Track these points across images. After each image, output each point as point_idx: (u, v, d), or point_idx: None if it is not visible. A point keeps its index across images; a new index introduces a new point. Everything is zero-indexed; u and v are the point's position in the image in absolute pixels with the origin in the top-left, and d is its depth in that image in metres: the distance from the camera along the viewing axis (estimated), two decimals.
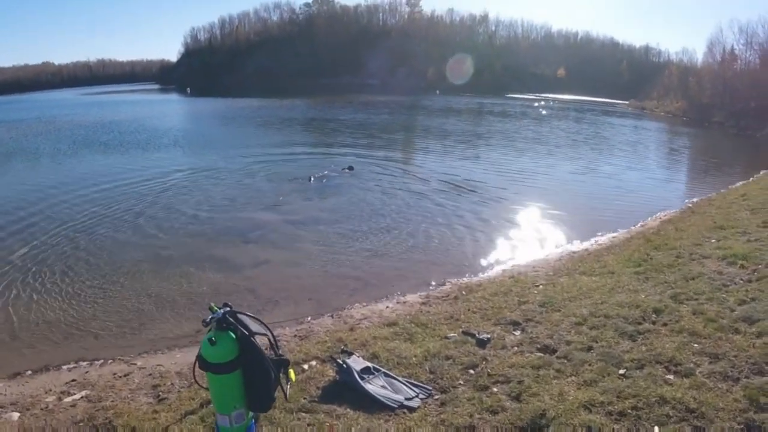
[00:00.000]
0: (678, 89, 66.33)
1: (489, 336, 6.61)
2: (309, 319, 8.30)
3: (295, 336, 7.42)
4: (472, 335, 6.66)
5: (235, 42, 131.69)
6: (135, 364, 7.10)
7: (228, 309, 4.40)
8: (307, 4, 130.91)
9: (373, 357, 6.15)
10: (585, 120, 47.88)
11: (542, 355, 6.18)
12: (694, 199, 17.29)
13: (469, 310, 7.66)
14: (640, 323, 6.80)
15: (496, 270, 10.56)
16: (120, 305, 9.22)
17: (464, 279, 10.06)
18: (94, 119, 45.26)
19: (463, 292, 8.71)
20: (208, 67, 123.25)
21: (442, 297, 8.72)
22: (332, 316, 8.26)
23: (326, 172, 20.34)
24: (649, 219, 14.79)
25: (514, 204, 16.14)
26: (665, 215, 15.06)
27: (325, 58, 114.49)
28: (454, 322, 7.26)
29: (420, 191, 17.56)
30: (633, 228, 13.78)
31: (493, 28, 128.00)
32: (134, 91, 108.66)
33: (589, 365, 5.80)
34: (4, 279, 10.45)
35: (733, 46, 57.18)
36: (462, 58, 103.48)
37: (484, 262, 11.22)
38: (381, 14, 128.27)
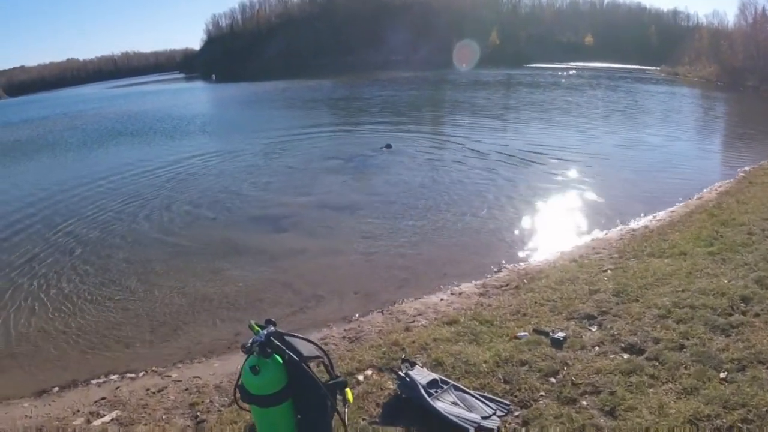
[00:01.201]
0: (709, 53, 63.68)
1: (564, 334, 5.82)
2: (357, 316, 7.58)
3: (344, 338, 6.73)
4: (545, 334, 5.89)
5: (257, 26, 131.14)
6: (170, 376, 6.47)
7: (272, 329, 3.70)
8: None
9: (437, 364, 5.43)
10: (620, 88, 46.05)
11: (629, 356, 5.42)
12: (746, 168, 16.09)
13: (535, 302, 6.87)
14: (730, 314, 6.04)
15: (554, 252, 9.67)
16: (150, 308, 8.62)
17: (521, 264, 9.20)
18: (119, 111, 45.23)
19: (525, 281, 7.90)
20: (231, 53, 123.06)
21: (502, 286, 7.92)
22: (382, 312, 7.53)
23: (362, 152, 19.60)
24: (705, 191, 13.72)
25: (561, 179, 15.17)
26: (720, 186, 14.01)
27: (347, 36, 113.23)
28: (522, 317, 6.48)
29: (461, 168, 16.66)
30: (690, 201, 12.76)
31: None
32: (159, 81, 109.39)
33: (685, 368, 5.06)
34: (24, 280, 10.01)
35: (765, 6, 54.48)
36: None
37: (539, 243, 10.35)
38: None
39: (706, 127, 27.56)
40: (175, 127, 31.90)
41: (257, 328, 3.69)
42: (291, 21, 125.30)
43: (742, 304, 6.23)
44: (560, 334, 5.80)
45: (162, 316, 8.34)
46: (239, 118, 35.43)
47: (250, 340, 3.60)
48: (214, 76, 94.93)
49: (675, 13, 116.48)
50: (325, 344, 6.60)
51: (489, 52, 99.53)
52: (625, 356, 5.42)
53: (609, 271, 7.88)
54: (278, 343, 3.65)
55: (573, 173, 15.66)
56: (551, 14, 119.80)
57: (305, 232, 11.79)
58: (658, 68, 73.22)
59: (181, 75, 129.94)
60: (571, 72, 66.73)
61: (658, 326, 5.91)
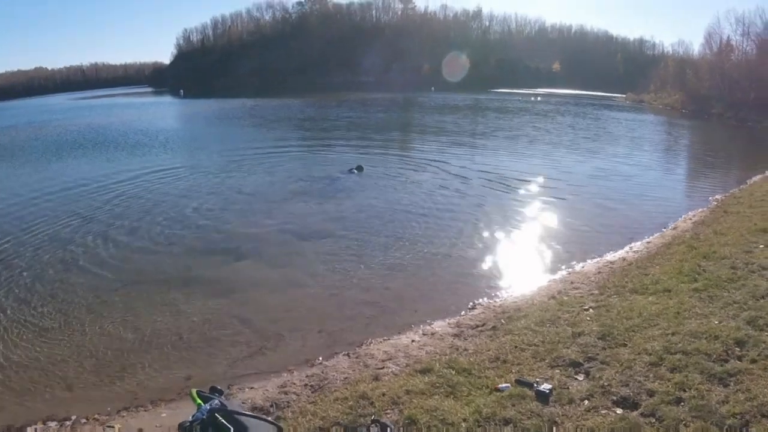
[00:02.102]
0: (675, 81, 65.41)
1: (550, 386, 5.29)
2: (321, 359, 6.93)
3: (307, 386, 6.08)
4: (529, 385, 5.34)
5: (228, 42, 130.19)
6: (112, 427, 5.78)
7: (217, 404, 3.03)
8: (299, 3, 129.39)
9: (410, 422, 4.83)
10: (588, 115, 46.65)
11: (623, 412, 4.93)
12: (718, 196, 16.09)
13: (515, 346, 6.33)
14: (725, 360, 5.65)
15: (530, 287, 9.20)
16: (97, 344, 7.83)
17: (497, 300, 8.70)
18: (83, 124, 43.90)
19: (502, 321, 7.37)
20: (201, 69, 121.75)
21: (477, 326, 7.38)
22: (349, 355, 6.90)
23: (330, 173, 19.04)
24: (680, 220, 13.58)
25: (533, 208, 14.84)
26: (694, 215, 13.87)
27: (318, 57, 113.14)
28: (502, 364, 5.93)
29: (432, 195, 16.21)
30: (666, 231, 12.55)
31: (487, 23, 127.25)
32: (127, 94, 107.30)
33: (685, 426, 4.61)
34: None
35: (729, 36, 56.36)
36: (457, 56, 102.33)
37: (514, 277, 9.85)
38: (374, 11, 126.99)
39: (675, 155, 27.86)
40: (137, 142, 30.92)
41: (199, 400, 3.03)
42: (263, 39, 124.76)
43: (737, 349, 5.85)
44: (545, 386, 5.26)
45: (108, 354, 7.54)
46: (203, 135, 34.69)
47: (190, 418, 2.95)
48: (182, 91, 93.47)
49: (641, 41, 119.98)
50: (285, 393, 5.98)
51: (461, 78, 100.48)
52: (619, 411, 4.93)
53: (591, 310, 7.42)
54: (224, 422, 3.00)
55: (545, 202, 15.36)
56: (520, 41, 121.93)
57: (266, 261, 11.09)
58: (624, 95, 74.83)
59: (150, 89, 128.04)
60: (539, 98, 67.62)
61: (651, 375, 5.44)
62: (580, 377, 5.58)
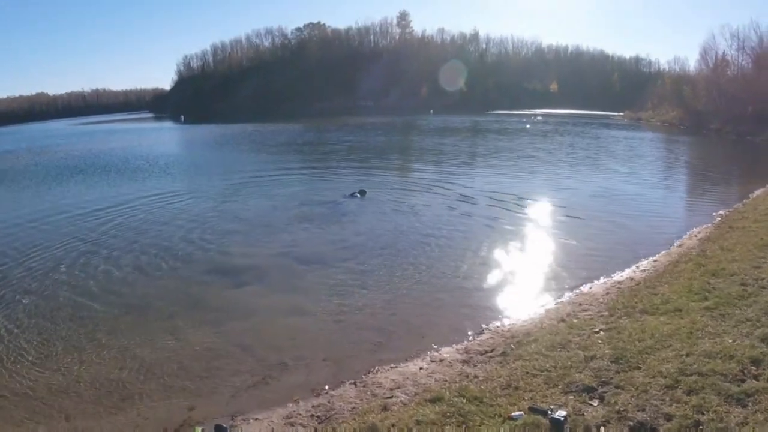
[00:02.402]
0: (672, 98, 65.88)
1: (565, 413, 5.07)
2: (327, 388, 6.75)
3: (313, 417, 5.91)
4: (543, 413, 5.13)
5: (228, 68, 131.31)
6: None
7: None
8: (298, 29, 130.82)
9: None
10: (587, 134, 46.74)
11: None
12: (721, 212, 16.01)
13: (527, 372, 6.16)
14: (742, 380, 5.47)
15: (538, 310, 9.05)
16: (97, 373, 7.66)
17: (505, 324, 8.53)
18: (84, 149, 44.05)
19: (512, 346, 7.20)
20: (202, 94, 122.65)
21: (486, 352, 7.22)
22: (356, 384, 6.73)
23: (333, 198, 18.97)
24: (685, 237, 13.48)
25: (537, 229, 14.76)
26: (699, 232, 13.77)
27: (317, 82, 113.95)
28: (514, 391, 5.75)
29: (435, 218, 16.11)
30: (672, 249, 12.42)
31: (484, 46, 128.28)
32: (128, 120, 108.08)
33: None
34: None
35: (725, 51, 56.77)
36: (453, 64, 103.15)
37: (521, 300, 9.69)
38: (372, 36, 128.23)
39: (676, 172, 27.82)
40: (138, 167, 31.01)
41: None
42: (262, 65, 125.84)
43: (753, 368, 5.68)
44: (560, 413, 5.05)
45: (108, 383, 7.37)
46: (204, 160, 34.72)
47: None
48: (182, 117, 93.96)
49: (637, 59, 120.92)
50: (291, 424, 5.81)
51: (457, 99, 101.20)
52: None
53: (602, 333, 7.25)
54: None
55: (548, 223, 15.30)
56: (517, 62, 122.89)
57: (268, 287, 10.94)
58: (622, 114, 75.17)
59: (150, 115, 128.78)
60: (537, 118, 67.90)
61: (668, 399, 5.26)
62: (595, 402, 5.41)
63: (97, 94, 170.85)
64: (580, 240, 13.42)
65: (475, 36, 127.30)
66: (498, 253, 12.59)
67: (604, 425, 4.98)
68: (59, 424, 6.50)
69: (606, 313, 8.16)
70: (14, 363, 7.98)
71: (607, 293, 9.44)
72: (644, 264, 11.32)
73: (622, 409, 5.18)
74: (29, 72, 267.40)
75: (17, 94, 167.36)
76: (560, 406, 5.26)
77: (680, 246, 12.57)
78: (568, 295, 9.72)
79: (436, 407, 5.52)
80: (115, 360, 8.01)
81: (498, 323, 8.63)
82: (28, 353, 8.28)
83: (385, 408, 5.74)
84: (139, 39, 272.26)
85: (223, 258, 12.95)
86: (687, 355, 6.11)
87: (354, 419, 5.55)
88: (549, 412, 5.09)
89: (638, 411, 5.12)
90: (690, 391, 5.34)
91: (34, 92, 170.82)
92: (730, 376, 5.52)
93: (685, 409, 5.03)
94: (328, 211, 17.32)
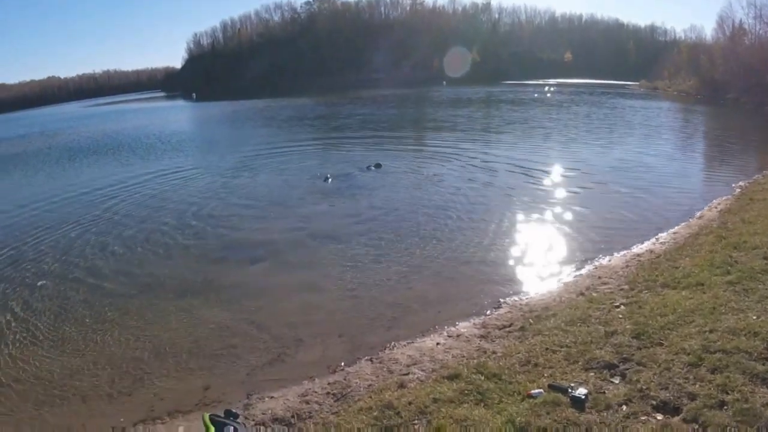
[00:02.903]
0: (689, 67, 64.22)
1: (585, 391, 4.98)
2: (343, 365, 6.69)
3: (329, 394, 5.84)
4: (563, 390, 5.03)
5: (238, 45, 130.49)
6: None
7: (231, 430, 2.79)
8: (308, 3, 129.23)
9: None
10: (603, 104, 45.83)
11: (664, 417, 4.62)
12: (741, 183, 15.57)
13: (546, 348, 6.02)
14: (767, 359, 5.26)
15: (556, 283, 8.90)
16: (112, 354, 7.68)
17: (523, 298, 8.38)
18: (97, 130, 44.27)
19: (530, 321, 7.05)
20: (213, 71, 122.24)
21: (504, 326, 7.09)
22: (372, 361, 6.64)
23: (346, 171, 18.81)
24: (705, 209, 13.11)
25: (554, 201, 14.43)
26: (719, 204, 13.40)
27: (328, 56, 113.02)
28: (533, 368, 5.63)
29: (451, 190, 15.83)
30: (692, 221, 12.10)
31: (497, 16, 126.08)
32: (140, 100, 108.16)
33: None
34: None
35: (742, 20, 55.03)
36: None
37: (539, 273, 9.52)
38: (383, 8, 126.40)
39: (695, 143, 27.19)
40: (150, 146, 31.18)
41: (211, 427, 2.78)
42: (273, 40, 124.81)
43: None
44: (581, 391, 4.95)
45: (124, 364, 7.38)
46: (216, 137, 34.68)
47: None
48: (194, 94, 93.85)
49: (652, 28, 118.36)
50: (307, 402, 5.75)
51: (470, 70, 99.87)
52: (659, 417, 4.63)
53: (623, 307, 7.08)
54: None
55: (566, 194, 14.92)
56: (530, 32, 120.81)
57: (284, 263, 10.86)
58: (638, 83, 73.76)
59: (162, 94, 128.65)
60: (552, 88, 66.78)
61: (691, 377, 5.11)
62: (617, 380, 5.27)
63: (108, 75, 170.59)
64: (598, 212, 13.16)
65: (487, 5, 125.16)
66: (515, 226, 12.38)
67: (626, 404, 4.84)
68: (75, 405, 6.51)
69: (626, 287, 7.99)
70: (31, 346, 8.03)
71: (627, 266, 9.24)
72: (664, 236, 11.06)
73: (644, 387, 5.05)
74: (39, 57, 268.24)
75: (28, 79, 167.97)
76: (581, 384, 5.15)
77: (700, 218, 12.28)
78: (587, 268, 9.51)
79: (454, 384, 5.42)
80: (130, 340, 8.01)
81: (516, 297, 8.48)
82: (45, 336, 8.33)
83: (401, 385, 5.64)
84: (149, 19, 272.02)
85: (237, 234, 12.91)
86: (710, 331, 5.92)
87: (370, 397, 5.47)
88: (569, 390, 4.99)
89: (661, 389, 4.98)
90: (714, 370, 5.18)
91: (45, 76, 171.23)
92: (755, 354, 5.34)
93: (710, 389, 4.87)
94: (343, 184, 17.16)
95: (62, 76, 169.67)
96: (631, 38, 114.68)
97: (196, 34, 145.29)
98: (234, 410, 3.00)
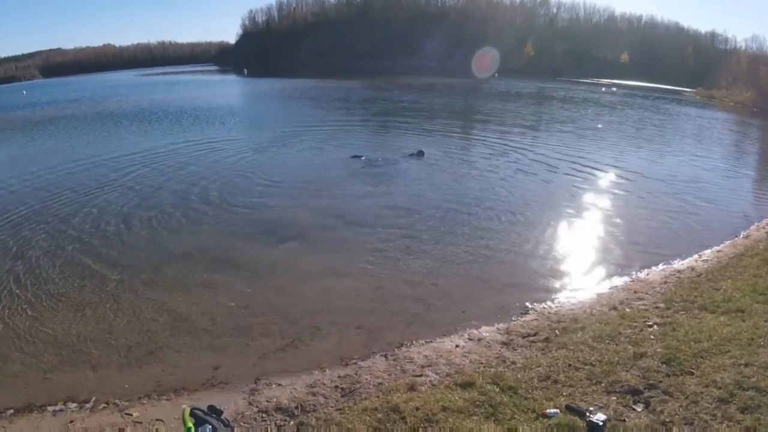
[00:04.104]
0: (747, 78, 61.54)
1: (604, 417, 4.62)
2: (356, 359, 6.51)
3: (337, 388, 5.67)
4: (581, 413, 4.70)
5: (293, 24, 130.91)
6: (131, 414, 5.61)
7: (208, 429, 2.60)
8: None
9: None
10: (658, 110, 44.27)
11: None
12: None
13: (569, 364, 5.68)
14: None
15: (589, 293, 8.51)
16: (130, 323, 7.70)
17: (552, 306, 8.03)
18: (145, 99, 45.02)
19: (557, 332, 6.71)
20: (266, 49, 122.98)
21: (529, 335, 6.77)
22: (386, 357, 6.44)
23: (387, 156, 18.57)
24: (752, 228, 12.43)
25: (597, 206, 13.88)
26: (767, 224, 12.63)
27: (381, 40, 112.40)
28: (552, 384, 5.31)
29: (491, 185, 15.47)
30: (737, 240, 11.49)
31: (555, 11, 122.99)
32: (192, 72, 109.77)
33: None
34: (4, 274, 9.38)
35: None
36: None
37: (572, 281, 9.13)
38: None
39: (748, 158, 25.91)
40: (195, 117, 31.64)
41: (190, 423, 2.59)
42: (327, 21, 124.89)
43: None
44: (599, 417, 4.60)
45: (138, 335, 7.38)
46: (262, 112, 35.04)
47: None
48: (245, 70, 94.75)
49: (713, 35, 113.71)
50: (314, 394, 5.60)
51: (523, 64, 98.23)
52: None
53: (656, 327, 6.68)
54: None
55: (609, 201, 14.33)
56: (588, 29, 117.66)
57: (311, 245, 10.73)
58: (694, 90, 71.22)
59: (215, 68, 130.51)
60: (606, 89, 65.09)
61: (719, 414, 4.71)
62: (639, 408, 4.92)
63: (163, 46, 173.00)
64: (641, 221, 12.59)
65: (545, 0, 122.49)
66: (554, 229, 11.94)
67: None
68: (85, 373, 6.50)
69: (662, 305, 7.55)
70: (51, 310, 8.13)
71: (665, 282, 8.77)
72: (707, 253, 10.48)
73: (667, 419, 4.69)
74: (96, 24, 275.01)
75: (84, 45, 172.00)
76: (600, 408, 4.82)
77: (746, 237, 11.64)
78: (623, 280, 9.08)
79: (466, 393, 5.15)
80: (148, 311, 8.03)
81: (545, 305, 8.14)
82: (66, 300, 8.42)
83: (412, 388, 5.41)
84: None
85: (268, 212, 12.88)
86: (746, 365, 5.48)
87: (378, 396, 5.26)
88: (587, 414, 4.67)
89: (685, 424, 4.62)
90: (744, 409, 4.77)
91: (101, 44, 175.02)
92: None
93: (737, 430, 4.49)
94: (382, 170, 16.93)
95: (117, 45, 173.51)
96: (691, 44, 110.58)
97: (251, 11, 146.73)
98: (218, 407, 2.80)
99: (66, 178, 16.31)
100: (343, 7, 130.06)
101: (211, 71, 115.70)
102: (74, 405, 5.86)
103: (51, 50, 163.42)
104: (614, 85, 73.37)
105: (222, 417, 2.76)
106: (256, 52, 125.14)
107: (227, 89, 60.65)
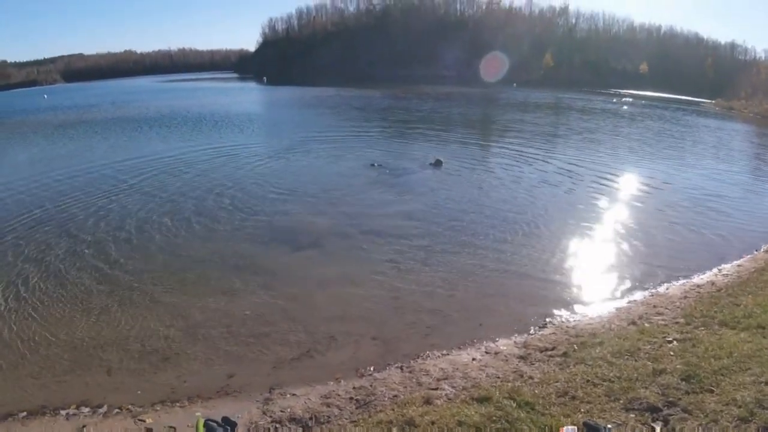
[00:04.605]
0: (767, 89, 60.84)
1: None
2: (372, 370, 6.48)
3: (352, 399, 5.64)
4: (599, 431, 4.61)
5: (312, 32, 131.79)
6: (144, 420, 5.62)
7: None
8: None
9: None
10: (678, 121, 43.80)
11: None
12: None
13: (587, 380, 5.59)
14: None
15: (608, 307, 8.41)
16: (146, 328, 7.75)
17: (570, 320, 7.95)
18: (164, 105, 45.55)
19: (575, 347, 6.62)
20: (285, 57, 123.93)
21: (547, 349, 6.70)
22: (402, 369, 6.41)
23: (405, 166, 18.55)
24: None
25: (616, 218, 13.70)
26: None
27: (400, 50, 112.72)
28: (570, 401, 5.23)
29: (509, 196, 15.39)
30: (758, 254, 11.31)
31: (574, 21, 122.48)
32: (212, 79, 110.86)
33: None
34: (11, 277, 9.52)
35: None
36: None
37: (590, 295, 9.02)
38: (458, 5, 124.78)
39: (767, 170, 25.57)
40: (214, 123, 32.06)
41: (202, 427, 2.59)
42: (346, 30, 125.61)
43: None
44: None
45: (154, 341, 7.42)
46: (281, 120, 35.17)
47: None
48: (265, 78, 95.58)
49: (733, 46, 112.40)
50: (328, 405, 5.58)
51: (542, 74, 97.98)
52: None
53: (675, 343, 6.56)
54: None
55: (629, 213, 14.17)
56: (607, 40, 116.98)
57: (327, 254, 10.72)
58: (713, 101, 70.42)
59: (234, 75, 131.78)
60: (624, 99, 64.64)
61: None
62: (658, 426, 4.82)
63: (183, 53, 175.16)
64: (661, 234, 12.42)
65: (564, 9, 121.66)
66: (573, 241, 11.83)
67: None
68: (100, 377, 6.54)
69: (682, 320, 7.44)
70: (66, 314, 8.21)
71: (685, 297, 8.65)
72: (728, 268, 10.34)
73: None
74: (117, 30, 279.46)
75: (105, 51, 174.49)
76: (618, 426, 4.74)
77: (767, 252, 11.46)
78: (642, 295, 8.98)
79: (483, 408, 5.09)
80: (165, 317, 8.07)
81: (563, 318, 8.07)
82: (85, 305, 8.50)
83: (427, 401, 5.37)
84: (227, 1, 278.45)
85: (285, 219, 12.92)
86: (766, 383, 5.34)
87: (393, 409, 5.22)
88: None
89: None
90: (765, 428, 4.63)
91: (122, 50, 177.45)
92: None
93: None
94: (400, 179, 16.93)
95: (138, 51, 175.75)
96: (710, 54, 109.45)
97: (271, 19, 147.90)
98: (232, 419, 2.79)
99: (85, 182, 16.55)
100: (362, 16, 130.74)
101: (230, 78, 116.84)
102: (87, 409, 5.91)
103: (72, 55, 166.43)
104: (631, 95, 72.82)
105: (236, 429, 2.76)
106: (275, 60, 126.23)
107: (246, 96, 61.18)
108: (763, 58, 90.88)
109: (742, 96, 66.16)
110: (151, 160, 19.73)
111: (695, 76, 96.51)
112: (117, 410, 5.84)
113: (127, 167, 18.56)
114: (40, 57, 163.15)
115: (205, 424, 2.68)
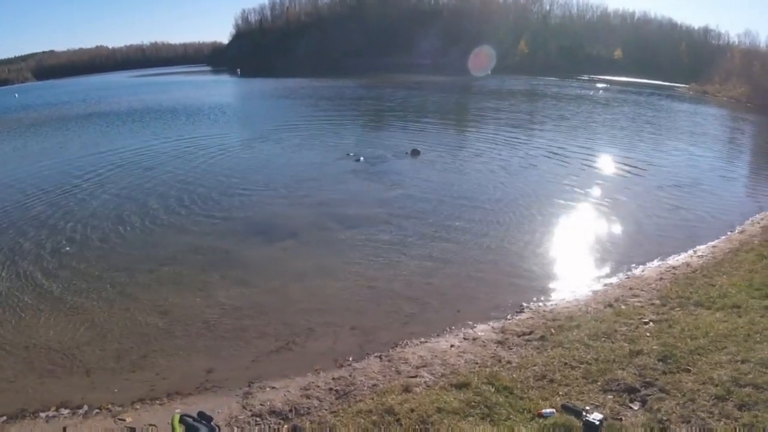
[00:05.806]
0: (741, 73, 61.53)
1: (601, 417, 4.57)
2: (351, 360, 6.46)
3: (331, 390, 5.62)
4: (577, 413, 4.66)
5: (286, 23, 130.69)
6: (124, 419, 5.53)
7: None
8: None
9: None
10: (651, 105, 44.20)
11: None
12: None
13: (565, 363, 5.65)
14: None
15: (584, 291, 8.47)
16: (123, 327, 7.64)
17: (547, 304, 8.00)
18: (138, 100, 44.92)
19: (552, 330, 6.67)
20: (259, 49, 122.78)
21: (524, 333, 6.73)
22: (381, 358, 6.40)
23: (381, 155, 18.50)
24: (747, 223, 12.38)
25: (591, 202, 13.87)
26: (762, 218, 12.67)
27: (375, 39, 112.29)
28: (548, 384, 5.27)
29: (485, 183, 15.39)
30: (732, 235, 11.46)
31: (548, 8, 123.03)
32: (186, 73, 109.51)
33: None
34: None
35: None
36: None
37: (567, 279, 9.08)
38: None
39: (742, 153, 25.88)
40: (188, 117, 31.90)
41: (179, 430, 2.55)
42: (321, 20, 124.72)
43: None
44: (596, 416, 4.56)
45: (132, 338, 7.33)
46: (254, 111, 35.00)
47: None
48: (239, 70, 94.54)
49: (706, 31, 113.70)
50: (308, 397, 5.54)
51: (517, 61, 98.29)
52: None
53: (652, 324, 6.65)
54: None
55: (603, 197, 14.25)
56: (581, 26, 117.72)
57: (304, 244, 10.69)
58: (687, 86, 71.20)
59: (208, 68, 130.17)
60: (599, 85, 65.17)
61: (717, 412, 4.68)
62: (636, 406, 4.90)
63: (155, 47, 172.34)
64: (636, 218, 12.56)
65: None
66: (548, 227, 11.90)
67: None
68: (79, 378, 6.45)
69: (657, 302, 7.53)
70: (42, 315, 8.07)
71: (661, 278, 8.75)
72: (702, 249, 10.47)
73: (664, 418, 4.66)
74: (88, 26, 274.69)
75: (77, 47, 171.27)
76: (597, 407, 4.79)
77: (741, 232, 11.62)
78: (618, 277, 9.07)
79: (462, 394, 5.12)
80: (141, 315, 7.97)
81: (540, 303, 8.11)
82: (57, 305, 8.37)
83: (406, 389, 5.36)
84: None
85: (261, 211, 12.87)
86: (742, 361, 5.47)
87: (372, 398, 5.22)
88: (584, 414, 4.63)
89: (682, 422, 4.59)
90: (742, 406, 4.75)
91: (93, 45, 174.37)
92: None
93: (734, 427, 4.47)
94: (376, 169, 16.89)
95: (110, 46, 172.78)
96: (684, 39, 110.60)
97: (244, 11, 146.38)
98: (208, 414, 2.76)
99: (56, 181, 16.29)
100: (336, 5, 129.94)
101: (204, 71, 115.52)
102: (67, 411, 5.81)
103: (43, 52, 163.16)
104: (606, 81, 73.28)
105: (212, 423, 2.73)
106: (249, 52, 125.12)
107: (220, 89, 60.51)
108: (737, 42, 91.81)
109: (716, 80, 66.87)
110: (120, 154, 19.67)
111: (669, 61, 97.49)
112: (97, 410, 5.76)
113: (97, 164, 18.36)
114: (11, 56, 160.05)
115: (182, 420, 2.65)
